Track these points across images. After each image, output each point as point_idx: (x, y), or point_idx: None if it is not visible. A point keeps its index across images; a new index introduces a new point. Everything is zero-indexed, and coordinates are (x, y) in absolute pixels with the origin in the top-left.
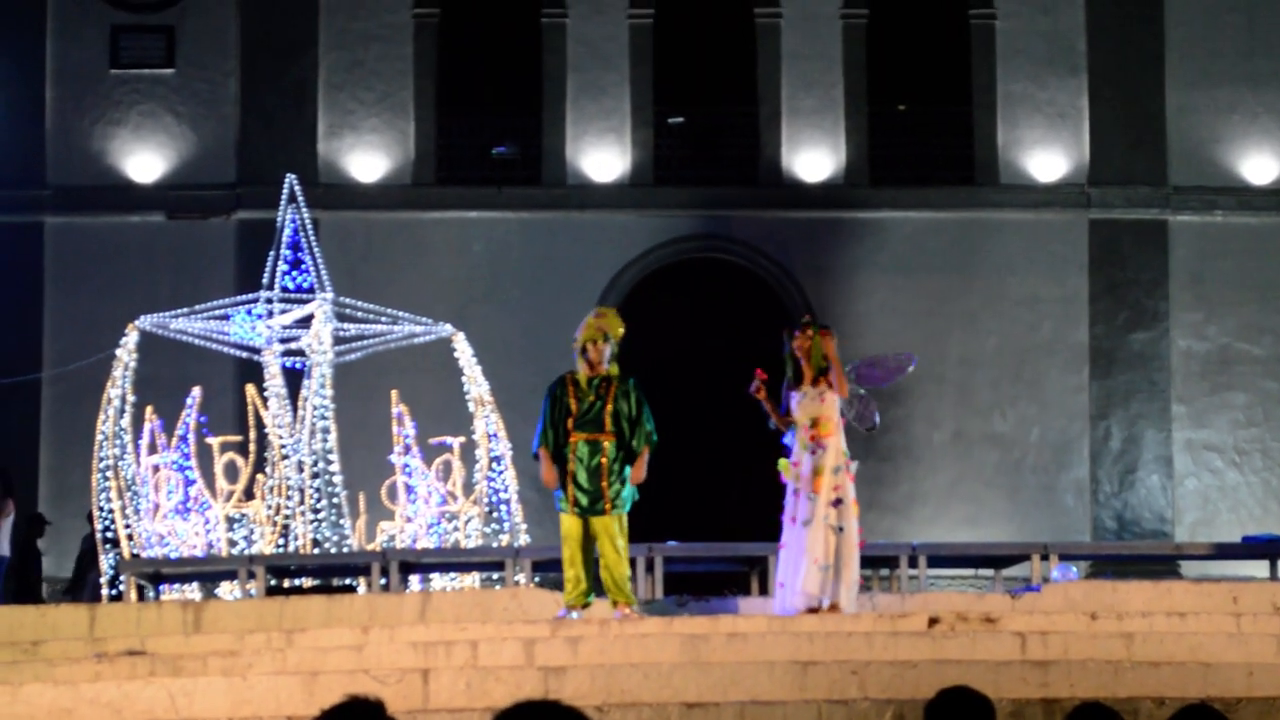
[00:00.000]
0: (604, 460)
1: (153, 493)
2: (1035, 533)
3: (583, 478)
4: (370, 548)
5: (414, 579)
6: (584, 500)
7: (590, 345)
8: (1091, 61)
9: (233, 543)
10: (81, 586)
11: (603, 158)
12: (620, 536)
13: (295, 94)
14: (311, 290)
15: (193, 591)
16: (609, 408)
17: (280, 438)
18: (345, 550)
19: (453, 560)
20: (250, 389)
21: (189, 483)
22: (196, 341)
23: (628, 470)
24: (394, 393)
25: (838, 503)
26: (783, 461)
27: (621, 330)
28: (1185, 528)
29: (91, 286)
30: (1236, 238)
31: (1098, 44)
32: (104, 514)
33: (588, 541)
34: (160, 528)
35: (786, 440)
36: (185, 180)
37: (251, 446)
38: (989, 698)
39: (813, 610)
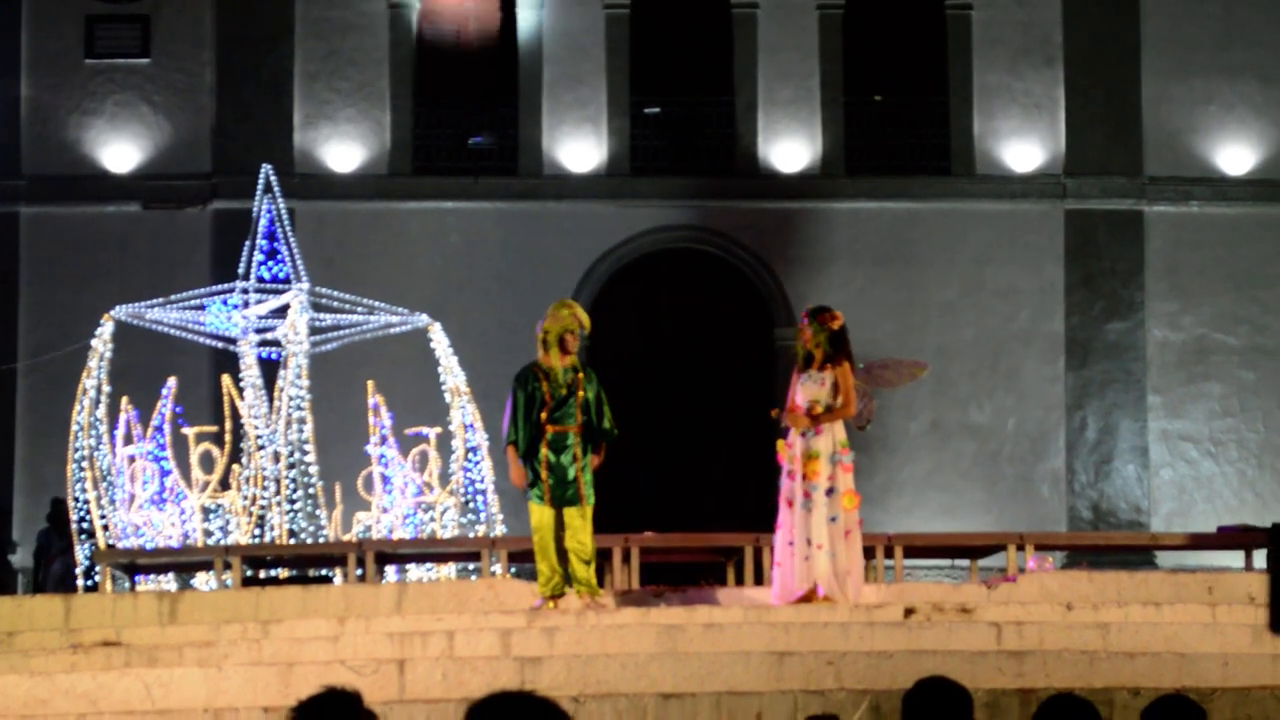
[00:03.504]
0: (576, 451)
1: (128, 483)
2: (1012, 523)
3: (557, 468)
4: (346, 538)
5: (390, 570)
6: (559, 491)
7: (569, 335)
8: (1067, 52)
9: (208, 533)
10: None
11: (579, 148)
12: (589, 526)
13: (271, 84)
14: (287, 280)
15: (168, 582)
16: (580, 398)
17: (256, 428)
18: (321, 541)
19: (429, 551)
20: (226, 379)
21: (164, 473)
22: (172, 332)
23: (590, 459)
24: (370, 383)
25: (830, 492)
26: (780, 443)
27: (586, 321)
28: (1161, 518)
29: (67, 277)
30: (1212, 228)
31: (1074, 35)
32: (79, 505)
33: (559, 532)
34: (136, 518)
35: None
36: (161, 170)
37: (227, 437)
38: (966, 688)
39: (805, 599)
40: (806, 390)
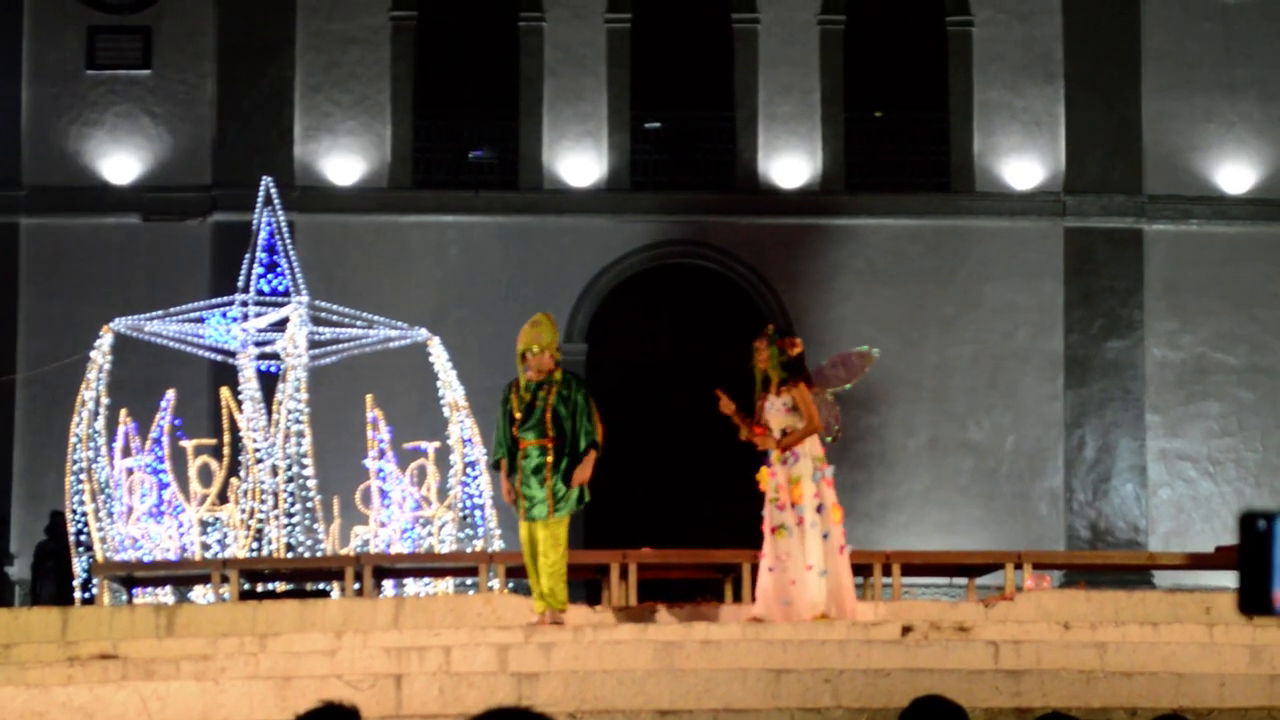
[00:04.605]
0: (546, 464)
1: (126, 496)
2: (1009, 541)
3: (528, 483)
4: (344, 552)
5: (388, 584)
6: (529, 506)
7: (529, 354)
8: (1068, 69)
9: (206, 546)
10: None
11: (579, 162)
12: (560, 541)
13: (272, 96)
14: (287, 293)
15: (166, 595)
16: (548, 412)
17: (254, 441)
18: (319, 555)
19: (426, 565)
20: (225, 392)
21: (163, 486)
22: (171, 344)
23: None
24: (369, 397)
25: (818, 509)
26: (762, 471)
27: (549, 338)
28: (1159, 537)
29: (66, 288)
30: (1212, 247)
31: (1074, 52)
32: (77, 517)
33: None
34: (133, 531)
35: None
36: (161, 182)
37: (226, 450)
38: (963, 707)
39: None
40: (775, 419)
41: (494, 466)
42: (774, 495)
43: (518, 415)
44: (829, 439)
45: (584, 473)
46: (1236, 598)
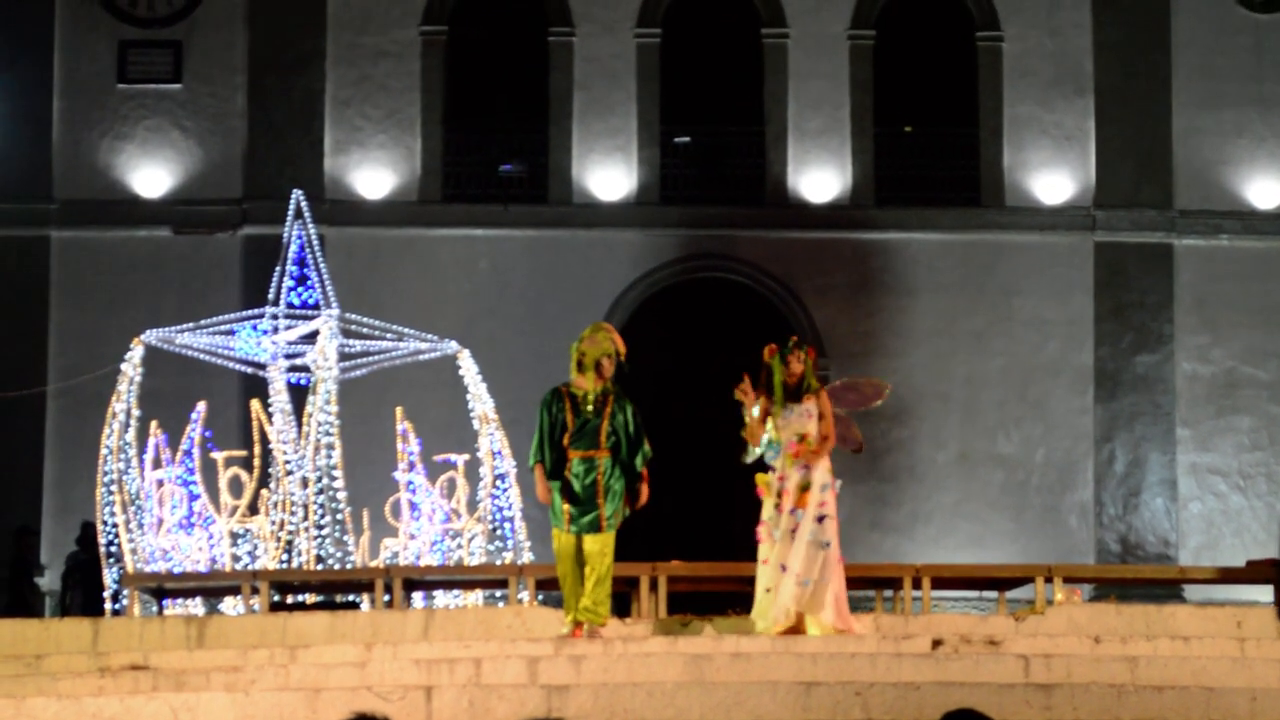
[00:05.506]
0: (599, 477)
1: (157, 507)
2: (1039, 554)
3: (579, 495)
4: (374, 564)
5: (417, 596)
6: (579, 518)
7: (605, 360)
8: (1098, 84)
9: (236, 558)
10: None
11: (609, 176)
12: (609, 553)
13: (302, 109)
14: (317, 306)
15: (196, 607)
16: (605, 424)
17: (285, 453)
18: (349, 566)
19: (456, 577)
20: (255, 404)
21: (193, 497)
22: (202, 356)
23: (621, 486)
24: (398, 409)
25: (821, 519)
26: (760, 477)
27: (616, 346)
28: (1189, 551)
29: (97, 300)
30: (1242, 261)
31: (1105, 66)
32: (108, 528)
33: (580, 559)
34: (164, 542)
35: (769, 457)
36: (192, 195)
37: (256, 462)
38: None
39: (794, 631)
40: (794, 424)
41: (532, 468)
42: (776, 499)
43: (570, 426)
44: (854, 451)
45: (645, 493)
46: (1276, 609)
